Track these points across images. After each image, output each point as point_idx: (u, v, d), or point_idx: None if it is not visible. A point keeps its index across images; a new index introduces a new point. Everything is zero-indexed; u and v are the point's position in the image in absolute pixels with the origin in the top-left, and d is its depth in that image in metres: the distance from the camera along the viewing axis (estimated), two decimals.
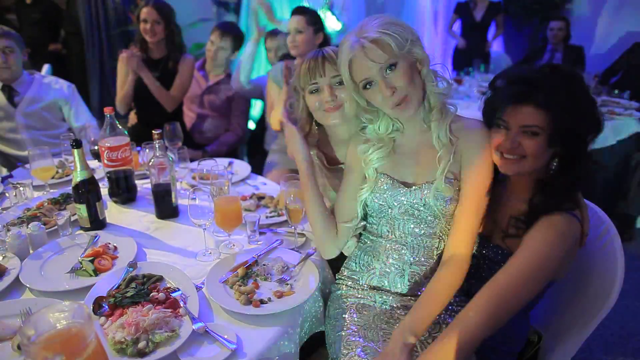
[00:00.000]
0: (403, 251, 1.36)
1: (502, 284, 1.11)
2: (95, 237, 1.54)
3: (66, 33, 5.14)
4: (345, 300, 1.40)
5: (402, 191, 1.33)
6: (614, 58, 4.53)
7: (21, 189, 1.83)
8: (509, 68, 1.44)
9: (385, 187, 1.34)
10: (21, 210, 1.73)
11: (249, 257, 1.43)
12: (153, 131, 1.69)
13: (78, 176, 1.55)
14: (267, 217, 1.71)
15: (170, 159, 1.70)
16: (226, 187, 1.59)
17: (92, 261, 1.37)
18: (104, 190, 1.82)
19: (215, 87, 3.22)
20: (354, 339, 1.26)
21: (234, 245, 1.53)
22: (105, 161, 1.78)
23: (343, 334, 1.29)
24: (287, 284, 1.32)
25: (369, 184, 1.36)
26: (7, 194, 1.82)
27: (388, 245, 1.38)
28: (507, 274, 1.12)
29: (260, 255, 1.44)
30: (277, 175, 2.63)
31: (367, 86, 1.24)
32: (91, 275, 1.33)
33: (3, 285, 1.29)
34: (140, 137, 2.22)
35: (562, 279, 1.25)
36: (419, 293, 1.31)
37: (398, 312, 1.34)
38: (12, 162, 2.62)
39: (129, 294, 1.21)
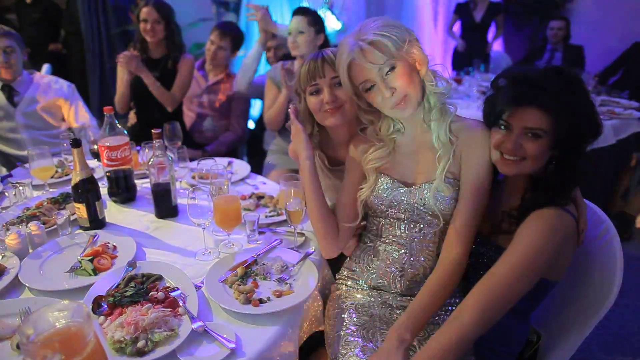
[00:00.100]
0: (403, 251, 1.36)
1: (494, 281, 1.11)
2: (95, 236, 1.54)
3: (66, 33, 5.14)
4: (344, 300, 1.40)
5: (402, 191, 1.33)
6: (613, 58, 4.53)
7: (20, 188, 1.83)
8: (511, 68, 1.43)
9: (385, 187, 1.34)
10: (20, 209, 1.73)
11: (248, 256, 1.43)
12: (152, 131, 1.69)
13: (77, 176, 1.55)
14: (266, 216, 1.71)
15: (170, 158, 1.70)
16: (225, 187, 1.59)
17: (91, 260, 1.37)
18: (104, 189, 1.82)
19: (215, 86, 3.22)
20: (352, 339, 1.26)
21: (233, 245, 1.53)
22: (105, 161, 1.78)
23: (342, 333, 1.29)
24: (287, 284, 1.32)
25: (369, 183, 1.36)
26: (6, 194, 1.82)
27: (388, 245, 1.38)
28: (499, 270, 1.12)
29: (259, 254, 1.44)
30: (277, 176, 2.63)
31: (368, 88, 1.24)
32: (90, 275, 1.33)
33: (2, 284, 1.29)
34: (139, 136, 2.22)
35: (561, 279, 1.25)
36: None
37: (397, 312, 1.34)
38: (12, 162, 2.62)
39: (128, 293, 1.21)
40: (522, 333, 1.34)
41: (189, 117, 3.27)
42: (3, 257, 1.41)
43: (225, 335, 1.09)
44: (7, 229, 1.48)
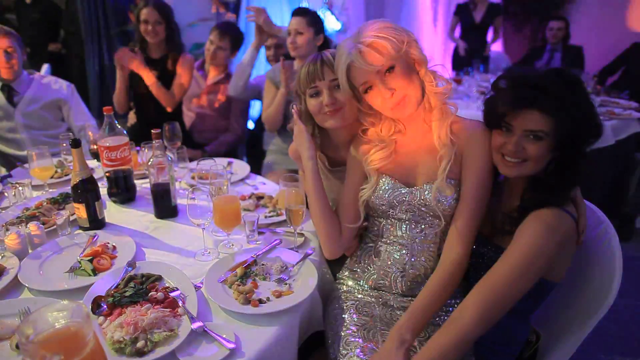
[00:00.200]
0: (404, 252, 1.36)
1: (494, 281, 1.11)
2: (94, 236, 1.54)
3: (66, 33, 5.14)
4: (345, 300, 1.41)
5: (403, 191, 1.33)
6: (613, 58, 4.53)
7: (20, 188, 1.83)
8: (512, 69, 1.44)
9: (387, 188, 1.35)
10: (20, 209, 1.73)
11: (247, 256, 1.43)
12: (152, 131, 1.69)
13: (77, 176, 1.55)
14: (266, 216, 1.71)
15: (169, 158, 1.70)
16: (225, 187, 1.59)
17: (90, 261, 1.37)
18: (103, 190, 1.82)
19: (215, 86, 3.22)
20: (353, 339, 1.26)
21: (232, 245, 1.53)
22: (105, 161, 1.78)
23: (342, 334, 1.29)
24: (286, 284, 1.32)
25: (370, 184, 1.36)
26: (6, 194, 1.82)
27: (389, 245, 1.39)
28: (499, 270, 1.12)
29: (259, 255, 1.44)
30: (276, 176, 2.63)
31: (367, 90, 1.24)
32: (90, 275, 1.33)
33: (2, 284, 1.29)
34: (139, 136, 2.22)
35: (561, 279, 1.25)
36: None
37: (398, 312, 1.35)
38: (12, 162, 2.61)
39: (127, 294, 1.21)
40: (522, 333, 1.34)
41: (188, 117, 3.27)
42: (2, 257, 1.41)
43: (224, 336, 1.09)
44: (7, 229, 1.48)
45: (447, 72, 1.38)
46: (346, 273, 1.49)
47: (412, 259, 1.35)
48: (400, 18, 5.95)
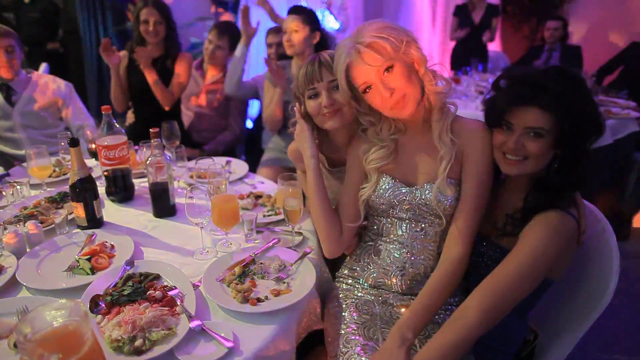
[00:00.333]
0: (404, 250, 1.36)
1: (499, 282, 1.12)
2: (93, 235, 1.54)
3: (64, 32, 5.13)
4: (345, 298, 1.41)
5: (403, 191, 1.33)
6: (611, 57, 4.54)
7: (18, 187, 1.83)
8: (512, 68, 1.44)
9: (387, 187, 1.35)
10: (18, 208, 1.73)
11: (246, 255, 1.43)
12: (150, 130, 1.69)
13: (75, 175, 1.55)
14: (264, 215, 1.71)
15: (168, 157, 1.70)
16: (223, 186, 1.59)
17: (89, 259, 1.37)
18: (102, 188, 1.82)
19: (213, 86, 3.22)
20: (353, 337, 1.27)
21: (231, 244, 1.53)
22: (103, 160, 1.78)
23: (342, 332, 1.30)
24: (284, 282, 1.32)
25: (371, 183, 1.36)
26: (4, 193, 1.82)
27: (389, 244, 1.39)
28: (503, 271, 1.13)
29: (257, 253, 1.44)
30: (270, 172, 2.64)
31: (366, 90, 1.25)
32: (88, 274, 1.33)
33: None
34: (137, 135, 2.22)
35: (560, 278, 1.26)
36: (419, 292, 1.32)
37: (398, 311, 1.35)
38: (10, 161, 2.61)
39: (125, 292, 1.21)
40: (520, 331, 1.34)
41: (187, 116, 3.27)
42: (0, 256, 1.41)
43: (222, 334, 1.09)
44: (5, 228, 1.48)
45: (446, 71, 1.38)
46: (346, 271, 1.49)
47: (412, 258, 1.36)
48: (398, 17, 5.95)
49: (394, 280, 1.37)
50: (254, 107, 3.99)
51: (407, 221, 1.36)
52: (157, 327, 1.08)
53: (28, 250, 1.47)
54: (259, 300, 1.23)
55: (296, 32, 2.50)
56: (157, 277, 1.32)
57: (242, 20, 2.83)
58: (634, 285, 2.69)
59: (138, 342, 1.04)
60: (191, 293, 1.23)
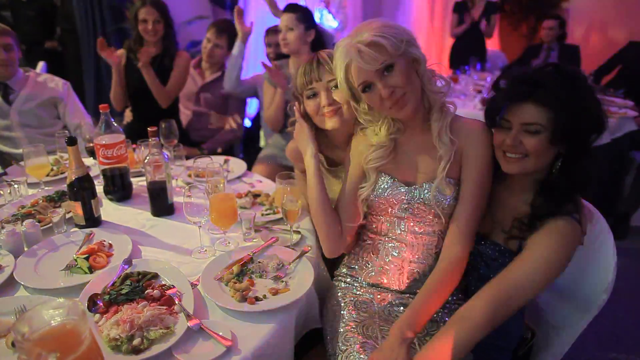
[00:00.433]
0: (402, 249, 1.37)
1: (507, 286, 1.13)
2: (91, 234, 1.54)
3: (62, 30, 5.11)
4: (343, 296, 1.41)
5: (402, 190, 1.33)
6: (609, 57, 4.54)
7: (16, 186, 1.83)
8: (512, 69, 1.45)
9: (386, 186, 1.35)
10: (16, 207, 1.72)
11: (244, 254, 1.43)
12: (149, 129, 1.68)
13: (73, 174, 1.55)
14: (262, 214, 1.71)
15: (166, 156, 1.69)
16: (222, 185, 1.59)
17: (87, 258, 1.37)
18: (99, 187, 1.81)
19: (211, 84, 3.21)
20: (352, 335, 1.27)
21: (229, 243, 1.53)
22: (101, 159, 1.78)
23: (341, 330, 1.30)
24: (282, 281, 1.32)
25: (370, 183, 1.36)
26: (1, 192, 1.81)
27: (387, 243, 1.39)
28: (512, 276, 1.14)
29: (255, 252, 1.44)
30: (265, 169, 2.64)
31: (366, 89, 1.24)
32: (86, 273, 1.33)
33: None
34: (135, 134, 2.22)
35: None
36: (418, 291, 1.32)
37: (396, 309, 1.35)
38: (7, 160, 2.60)
39: (123, 291, 1.21)
40: (517, 327, 1.35)
41: (185, 115, 3.27)
42: None
43: (221, 333, 1.10)
44: (2, 227, 1.48)
45: (445, 70, 1.38)
46: (344, 270, 1.49)
47: (411, 257, 1.36)
48: (397, 16, 5.95)
49: (393, 279, 1.37)
50: (252, 106, 3.99)
51: (405, 220, 1.36)
52: (155, 326, 1.08)
53: (26, 249, 1.46)
54: (257, 299, 1.23)
55: (291, 31, 2.51)
56: (155, 276, 1.32)
57: (237, 20, 2.84)
58: (632, 283, 2.70)
59: (136, 341, 1.04)
60: (189, 292, 1.23)
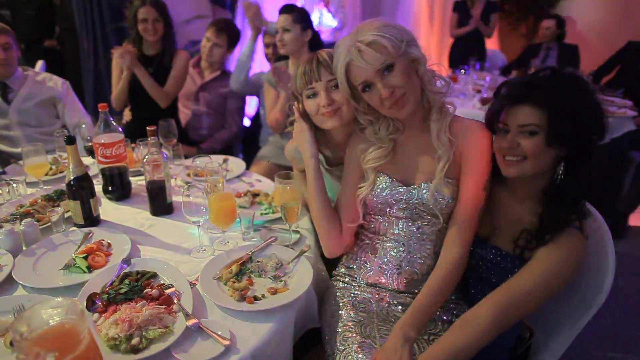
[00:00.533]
0: (401, 249, 1.37)
1: (513, 295, 1.15)
2: (89, 233, 1.54)
3: (61, 29, 5.11)
4: (342, 296, 1.41)
5: (401, 190, 1.34)
6: (608, 56, 4.54)
7: (14, 185, 1.82)
8: (513, 78, 1.47)
9: (384, 186, 1.35)
10: (14, 206, 1.72)
11: (243, 253, 1.43)
12: (147, 128, 1.68)
13: (72, 173, 1.55)
14: (261, 214, 1.71)
15: (165, 155, 1.69)
16: (221, 184, 1.59)
17: (85, 258, 1.37)
18: (98, 187, 1.81)
19: (211, 84, 3.21)
20: (350, 335, 1.27)
21: (228, 242, 1.53)
22: (100, 158, 1.77)
23: (339, 330, 1.30)
24: (281, 281, 1.32)
25: (368, 182, 1.37)
26: (0, 191, 1.81)
27: (386, 242, 1.39)
28: (518, 286, 1.15)
29: (254, 251, 1.44)
30: (263, 167, 2.64)
31: (366, 89, 1.25)
32: (84, 272, 1.33)
33: None
34: (134, 133, 2.21)
35: None
36: (416, 291, 1.33)
37: (395, 309, 1.36)
38: (6, 159, 2.60)
39: (122, 291, 1.21)
40: (515, 327, 1.35)
41: (184, 114, 3.26)
42: None
43: (219, 333, 1.10)
44: (1, 226, 1.48)
45: (444, 70, 1.39)
46: (342, 270, 1.49)
47: (409, 257, 1.36)
48: (396, 15, 5.95)
49: (391, 279, 1.38)
50: (251, 105, 3.98)
51: (404, 220, 1.36)
52: (153, 325, 1.09)
53: (24, 248, 1.46)
54: (256, 298, 1.23)
55: (287, 32, 2.50)
56: (154, 275, 1.32)
57: (255, 16, 2.79)
58: (630, 283, 2.70)
59: (135, 341, 1.04)
60: (188, 291, 1.23)
